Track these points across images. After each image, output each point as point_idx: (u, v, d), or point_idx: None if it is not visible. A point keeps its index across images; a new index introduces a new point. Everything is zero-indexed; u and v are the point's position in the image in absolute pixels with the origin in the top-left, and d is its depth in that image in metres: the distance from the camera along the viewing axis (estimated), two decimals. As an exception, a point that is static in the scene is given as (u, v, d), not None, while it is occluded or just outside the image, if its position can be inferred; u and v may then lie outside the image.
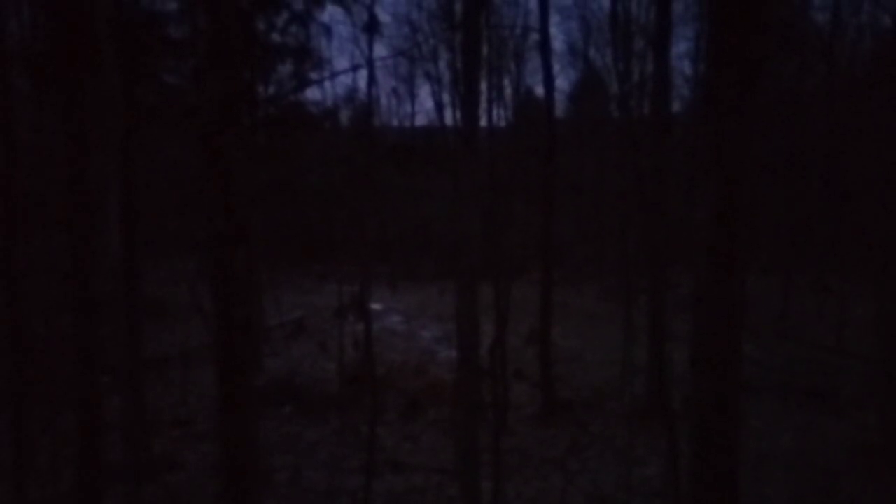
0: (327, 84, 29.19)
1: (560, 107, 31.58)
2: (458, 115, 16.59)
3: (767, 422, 11.93)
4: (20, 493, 7.37)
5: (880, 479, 9.67)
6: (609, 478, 9.93)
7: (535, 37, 21.52)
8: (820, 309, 20.54)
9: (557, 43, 42.12)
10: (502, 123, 26.97)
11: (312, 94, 43.80)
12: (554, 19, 40.48)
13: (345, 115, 27.72)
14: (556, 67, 32.91)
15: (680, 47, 39.79)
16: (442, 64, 29.27)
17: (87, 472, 6.91)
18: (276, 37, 17.73)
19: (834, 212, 22.83)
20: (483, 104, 13.12)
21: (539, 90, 32.81)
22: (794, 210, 23.64)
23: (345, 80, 44.44)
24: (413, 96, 39.09)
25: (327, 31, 28.54)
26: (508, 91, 29.37)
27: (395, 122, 39.11)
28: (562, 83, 40.42)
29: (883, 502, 9.02)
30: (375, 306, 23.50)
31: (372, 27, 11.55)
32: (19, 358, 7.58)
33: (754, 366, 14.52)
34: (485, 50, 12.48)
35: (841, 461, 10.28)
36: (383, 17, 41.56)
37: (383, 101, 37.22)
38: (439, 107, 32.48)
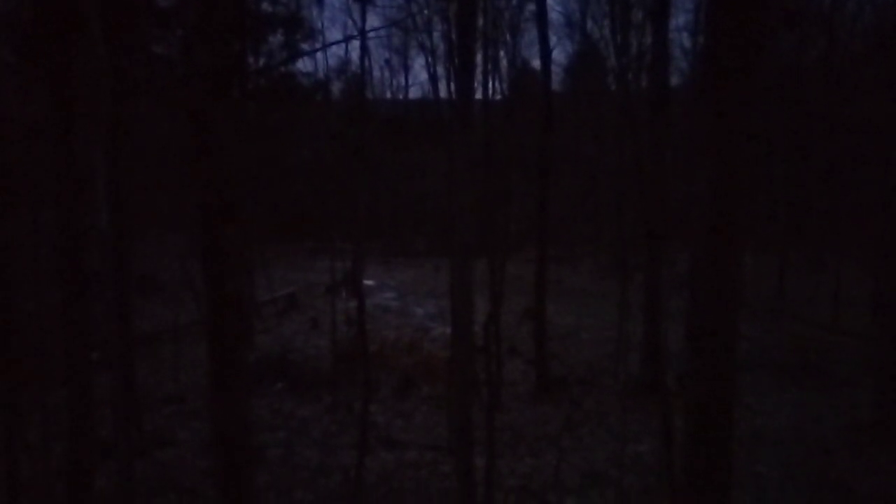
0: (319, 55, 28.89)
1: (557, 80, 31.39)
2: (453, 87, 16.42)
3: (762, 399, 11.96)
4: (12, 470, 7.32)
5: (873, 456, 9.70)
6: (603, 455, 9.94)
7: (531, 8, 21.27)
8: (816, 287, 20.56)
9: (554, 14, 41.61)
10: (498, 97, 26.70)
11: (304, 65, 43.40)
12: (551, -9, 40.02)
13: (337, 88, 27.46)
14: (553, 39, 32.61)
15: (679, 19, 39.49)
16: (436, 35, 28.88)
17: (78, 448, 6.85)
18: (266, 6, 17.48)
19: (831, 189, 22.79)
20: (478, 77, 12.95)
21: (535, 63, 32.64)
22: (791, 187, 23.58)
23: (337, 51, 44.10)
24: (407, 68, 38.88)
25: (319, 0, 28.22)
26: (504, 63, 29.03)
27: (388, 95, 38.82)
28: (559, 56, 40.23)
29: (875, 479, 9.05)
30: (368, 282, 23.44)
31: (365, -3, 11.36)
32: (8, 334, 7.48)
33: (750, 343, 14.54)
34: (480, 21, 12.30)
35: (834, 438, 10.31)
36: (377, -13, 40.93)
37: (376, 73, 36.94)
38: (433, 79, 32.15)
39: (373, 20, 41.64)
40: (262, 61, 18.00)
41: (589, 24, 28.97)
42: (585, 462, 9.75)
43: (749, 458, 9.28)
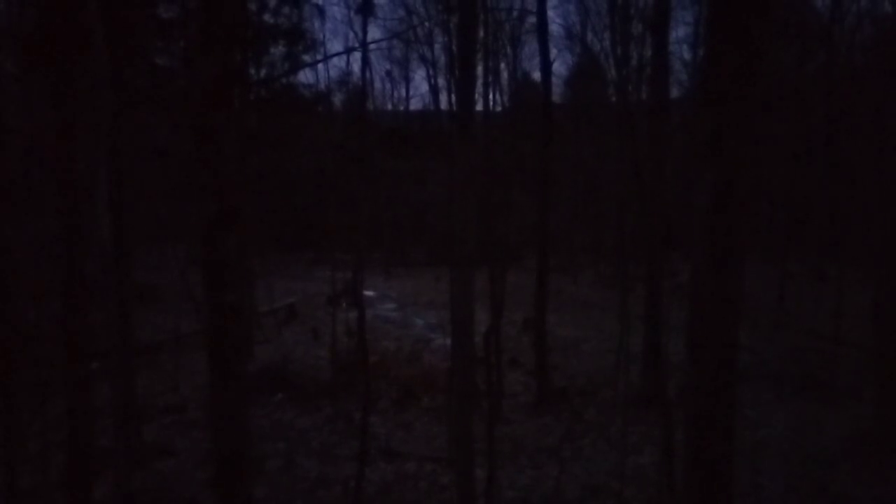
0: (320, 67, 29.05)
1: (557, 91, 31.47)
2: (454, 99, 16.47)
3: (762, 411, 11.92)
4: (11, 480, 7.30)
5: (874, 467, 9.65)
6: (603, 466, 9.90)
7: (532, 20, 21.35)
8: (817, 297, 20.53)
9: (555, 27, 41.86)
10: (498, 108, 26.82)
11: (305, 77, 43.51)
12: (551, 2, 40.29)
13: (338, 99, 27.56)
14: (554, 52, 32.71)
15: (679, 32, 39.71)
16: (437, 47, 29.13)
17: (78, 458, 6.84)
18: (268, 18, 17.57)
19: (832, 200, 22.82)
20: (479, 88, 13.00)
21: (536, 74, 32.74)
22: (792, 197, 23.60)
23: (338, 63, 44.32)
24: (408, 80, 39.06)
25: (320, 12, 28.40)
26: (505, 75, 29.18)
27: (389, 107, 38.99)
28: (559, 67, 40.42)
29: (877, 491, 9.01)
30: (369, 293, 23.43)
31: (366, 9, 11.43)
32: (9, 343, 7.48)
33: (750, 354, 14.50)
34: (481, 33, 12.36)
35: (835, 450, 10.26)
36: (378, -2, 41.12)
37: (377, 84, 37.08)
38: (434, 91, 32.40)
39: (374, 32, 41.94)
40: (263, 72, 18.05)
41: (589, 36, 29.05)
42: (586, 474, 9.71)
43: (750, 470, 9.24)
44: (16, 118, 9.15)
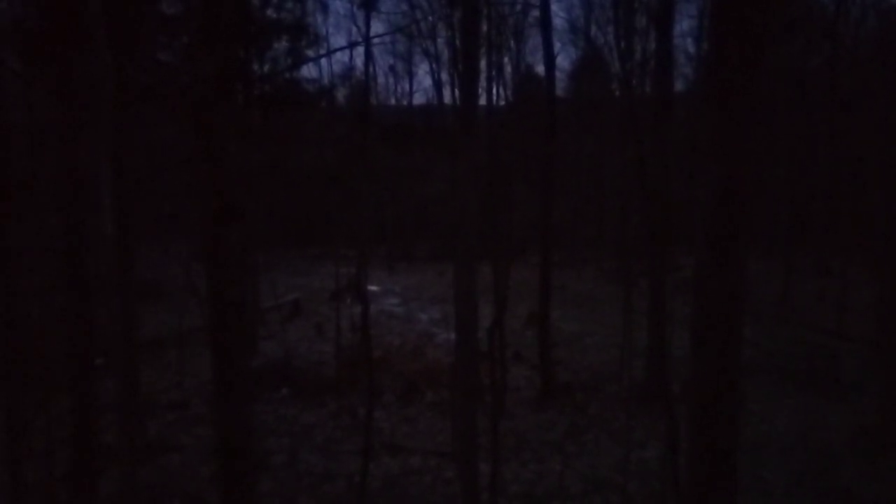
0: (323, 62, 29.05)
1: (560, 86, 31.29)
2: (457, 93, 16.45)
3: (766, 405, 11.90)
4: (16, 476, 7.32)
5: (878, 462, 9.65)
6: (607, 461, 9.90)
7: (535, 14, 21.27)
8: (821, 292, 20.49)
9: (558, 20, 41.87)
10: (502, 102, 26.77)
11: (308, 72, 43.47)
12: (554, -3, 40.14)
13: (341, 94, 27.53)
14: (557, 45, 32.67)
15: (683, 25, 39.50)
16: (440, 41, 29.03)
17: (82, 454, 6.85)
18: (271, 13, 17.54)
19: (836, 194, 22.75)
20: (482, 83, 12.98)
21: (539, 68, 32.55)
22: (796, 192, 23.56)
23: (341, 57, 44.22)
24: (411, 75, 39.01)
25: (324, 7, 28.33)
26: (508, 69, 29.11)
27: (392, 101, 38.98)
28: (562, 61, 40.32)
29: (881, 485, 9.00)
30: (373, 288, 23.45)
31: (369, 3, 11.36)
32: (13, 339, 7.49)
33: (754, 349, 14.49)
34: (484, 27, 12.32)
35: (839, 444, 10.26)
36: (381, -8, 41.03)
37: (381, 79, 37.07)
38: (438, 85, 32.37)
39: (377, 27, 41.85)
40: (266, 67, 18.01)
41: (593, 29, 28.96)
42: (590, 468, 9.72)
43: (754, 464, 9.24)
44: (19, 115, 9.15)
